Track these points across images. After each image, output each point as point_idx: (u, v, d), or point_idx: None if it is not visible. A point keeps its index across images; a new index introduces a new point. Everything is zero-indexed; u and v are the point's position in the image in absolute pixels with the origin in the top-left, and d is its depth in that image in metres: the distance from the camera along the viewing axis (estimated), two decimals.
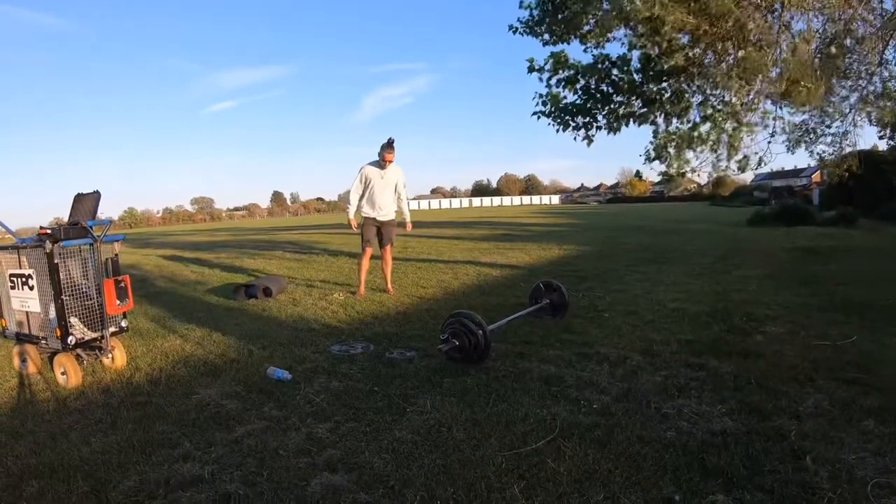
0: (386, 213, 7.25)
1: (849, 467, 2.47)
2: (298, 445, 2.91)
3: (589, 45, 8.41)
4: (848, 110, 8.80)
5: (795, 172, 58.61)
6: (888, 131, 11.36)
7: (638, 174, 9.54)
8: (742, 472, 2.47)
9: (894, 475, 2.39)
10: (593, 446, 2.78)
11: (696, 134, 7.79)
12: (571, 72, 8.46)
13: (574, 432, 2.94)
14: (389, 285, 7.45)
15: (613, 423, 3.04)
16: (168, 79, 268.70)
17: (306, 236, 19.47)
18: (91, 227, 4.10)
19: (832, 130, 9.43)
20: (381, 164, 7.05)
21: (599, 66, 8.35)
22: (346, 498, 2.39)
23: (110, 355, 4.28)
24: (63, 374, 3.98)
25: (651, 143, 8.21)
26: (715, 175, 8.72)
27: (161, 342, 5.11)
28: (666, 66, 7.52)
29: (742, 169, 8.40)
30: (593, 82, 8.45)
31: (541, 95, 8.67)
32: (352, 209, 7.36)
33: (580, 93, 8.67)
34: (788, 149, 9.11)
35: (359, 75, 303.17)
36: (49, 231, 3.96)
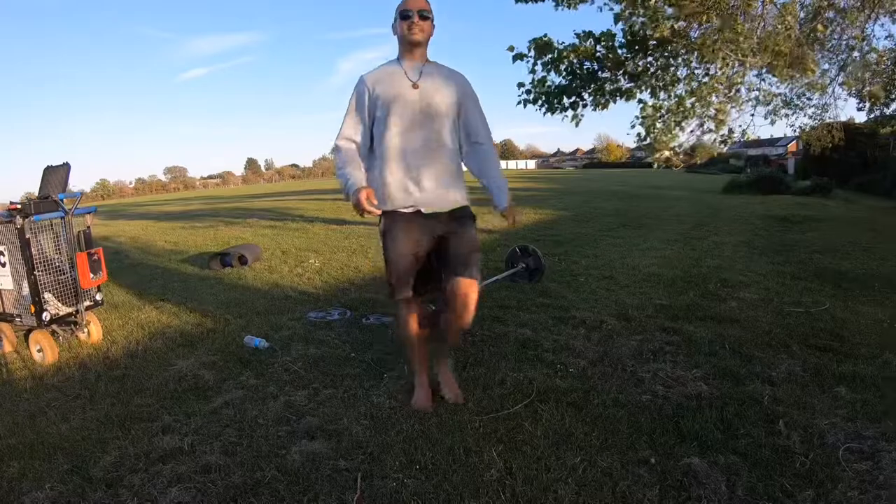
0: (442, 189, 2.79)
1: (821, 432, 2.52)
2: (277, 414, 2.91)
3: (561, 5, 8.35)
4: (829, 83, 8.88)
5: (771, 142, 58.92)
6: (867, 103, 11.50)
7: (643, 155, 9.60)
8: (716, 436, 2.51)
9: (865, 440, 2.44)
10: (570, 410, 2.81)
11: (682, 108, 7.82)
12: (555, 54, 8.41)
13: (551, 396, 2.97)
14: (449, 379, 3.08)
15: (590, 387, 3.07)
16: (139, 47, 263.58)
17: (281, 203, 19.30)
18: (62, 200, 4.03)
19: (814, 103, 9.54)
20: (403, 53, 2.83)
21: (583, 44, 8.31)
22: (326, 465, 2.40)
23: (86, 330, 4.22)
24: (39, 351, 3.93)
25: (637, 117, 8.22)
26: (701, 152, 8.80)
27: (137, 314, 5.06)
28: (652, 37, 7.51)
29: (726, 143, 8.47)
30: (576, 61, 8.41)
31: (521, 85, 8.60)
32: (353, 178, 2.72)
33: (565, 73, 8.63)
34: (768, 118, 9.19)
35: (334, 40, 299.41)
36: (19, 206, 3.88)
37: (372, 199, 2.59)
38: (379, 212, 2.68)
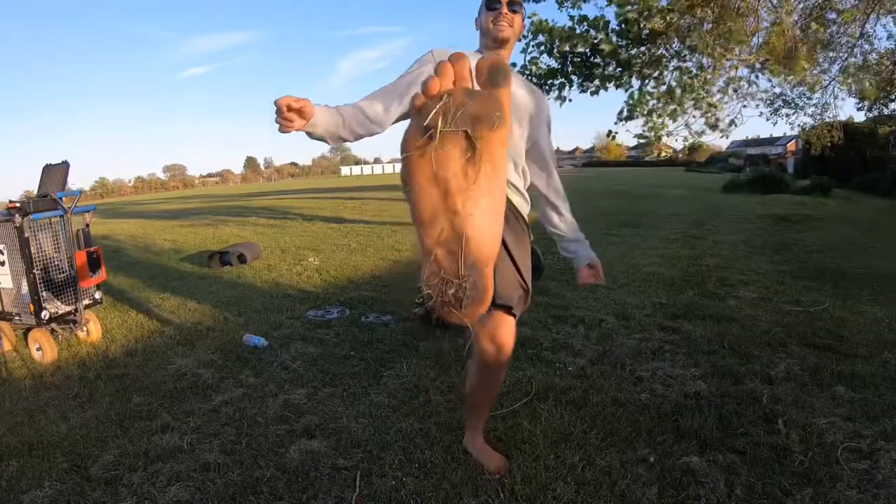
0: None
1: (819, 431, 2.52)
2: (276, 412, 2.91)
3: (566, 4, 8.34)
4: (828, 82, 8.89)
5: (770, 141, 58.95)
6: (867, 103, 11.51)
7: (610, 134, 9.42)
8: (715, 434, 2.51)
9: (864, 440, 2.44)
10: (569, 408, 2.81)
11: (671, 99, 7.82)
12: (549, 36, 8.40)
13: (550, 394, 2.97)
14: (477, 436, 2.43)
15: (588, 386, 3.07)
16: (139, 46, 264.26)
17: (280, 202, 19.29)
18: (61, 199, 4.02)
19: (813, 102, 9.56)
20: (484, 48, 2.29)
21: (578, 29, 8.30)
22: (325, 463, 2.40)
23: (85, 328, 4.22)
24: (38, 349, 3.92)
25: (626, 102, 8.23)
26: (690, 140, 8.82)
27: (136, 313, 5.06)
28: (645, 29, 7.52)
29: (713, 128, 8.49)
30: (568, 46, 8.40)
31: (513, 66, 8.58)
32: (329, 112, 1.89)
33: (556, 55, 8.63)
34: (767, 119, 9.27)
35: (335, 39, 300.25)
36: (18, 204, 3.87)
37: (295, 102, 1.73)
38: (297, 124, 1.80)
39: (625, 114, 8.36)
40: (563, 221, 2.62)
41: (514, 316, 2.11)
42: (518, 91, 2.24)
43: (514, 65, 8.58)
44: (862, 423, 2.58)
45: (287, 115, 1.77)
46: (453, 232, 1.30)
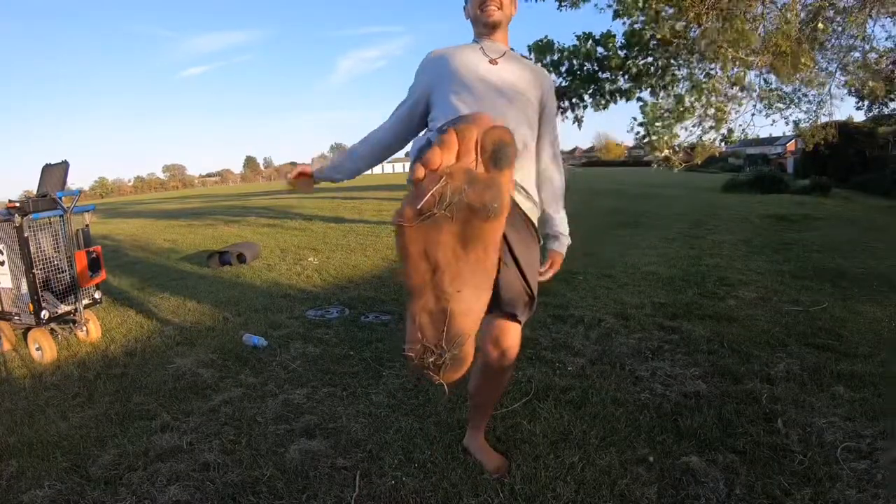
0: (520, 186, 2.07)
1: (819, 431, 2.52)
2: (276, 412, 2.91)
3: (565, 4, 8.35)
4: (826, 79, 8.88)
5: (770, 140, 58.78)
6: (866, 102, 11.47)
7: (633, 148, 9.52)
8: (715, 434, 2.51)
9: (863, 440, 2.44)
10: (568, 408, 2.81)
11: (681, 107, 7.82)
12: (556, 56, 8.42)
13: (549, 394, 2.97)
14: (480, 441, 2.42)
15: (588, 385, 3.07)
16: (139, 45, 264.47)
17: (280, 201, 19.24)
18: (60, 198, 4.02)
19: (808, 98, 9.54)
20: (478, 36, 2.18)
21: (583, 47, 8.32)
22: (325, 463, 2.40)
23: (85, 328, 4.22)
24: (38, 349, 3.92)
25: (639, 120, 8.22)
26: (703, 151, 8.81)
27: (136, 313, 5.06)
28: (654, 38, 7.51)
29: (728, 141, 8.50)
30: (577, 63, 8.42)
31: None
32: (332, 164, 2.33)
33: (565, 75, 8.64)
34: (761, 112, 9.21)
35: (334, 38, 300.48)
36: (18, 204, 3.87)
37: (294, 176, 2.28)
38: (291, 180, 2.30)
39: (642, 133, 8.37)
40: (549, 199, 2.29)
41: (519, 322, 2.06)
42: (514, 77, 2.10)
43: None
44: (861, 423, 2.58)
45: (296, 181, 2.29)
46: (438, 305, 1.34)
